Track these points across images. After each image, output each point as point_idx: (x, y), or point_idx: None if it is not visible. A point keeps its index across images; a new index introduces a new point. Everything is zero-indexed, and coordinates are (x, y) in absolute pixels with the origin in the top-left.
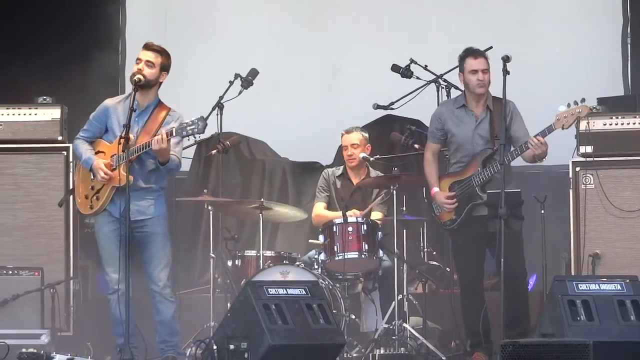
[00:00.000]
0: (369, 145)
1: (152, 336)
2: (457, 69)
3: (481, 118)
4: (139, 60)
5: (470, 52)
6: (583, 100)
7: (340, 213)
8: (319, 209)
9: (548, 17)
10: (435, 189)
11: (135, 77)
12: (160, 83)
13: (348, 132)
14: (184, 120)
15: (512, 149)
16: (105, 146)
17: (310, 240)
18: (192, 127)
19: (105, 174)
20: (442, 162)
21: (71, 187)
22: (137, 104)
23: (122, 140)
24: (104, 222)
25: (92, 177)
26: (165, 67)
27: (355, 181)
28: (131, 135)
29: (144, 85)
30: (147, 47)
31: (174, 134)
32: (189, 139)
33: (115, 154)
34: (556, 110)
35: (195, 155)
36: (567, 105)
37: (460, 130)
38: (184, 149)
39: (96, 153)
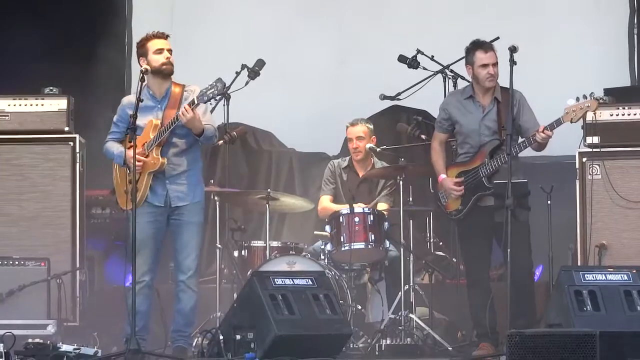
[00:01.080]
0: (374, 137)
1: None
2: (464, 59)
3: (488, 109)
4: (160, 50)
5: (479, 45)
6: (592, 94)
7: (345, 205)
8: (325, 202)
9: (555, 6)
10: (443, 176)
11: (167, 68)
12: None
13: (353, 124)
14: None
15: (521, 140)
16: (136, 140)
17: (316, 232)
18: (211, 90)
19: (139, 160)
20: (449, 153)
21: (114, 186)
22: (153, 95)
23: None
24: (142, 212)
25: (127, 171)
26: None
27: (361, 173)
28: (157, 121)
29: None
30: (162, 35)
31: (197, 102)
32: (211, 103)
33: (145, 142)
34: (565, 104)
35: (201, 146)
36: (576, 99)
37: (467, 121)
38: None
39: (128, 148)
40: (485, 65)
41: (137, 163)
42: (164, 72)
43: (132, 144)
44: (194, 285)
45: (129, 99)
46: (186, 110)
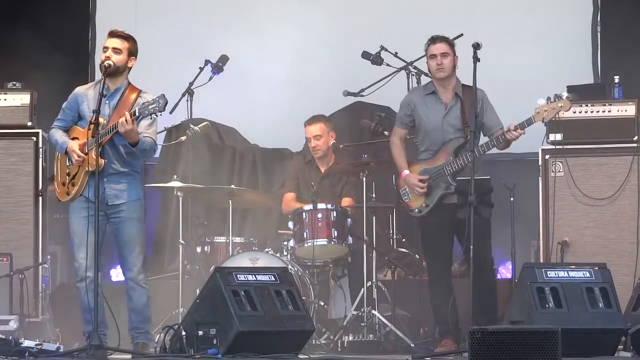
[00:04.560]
0: (332, 132)
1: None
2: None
3: (450, 105)
4: (105, 48)
5: (430, 39)
6: (564, 94)
7: (309, 203)
8: (289, 198)
9: (519, 4)
10: (406, 172)
11: (105, 64)
12: (130, 68)
13: (309, 123)
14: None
15: (487, 140)
16: (79, 132)
17: (280, 231)
18: (153, 106)
19: (79, 156)
20: (411, 149)
21: (53, 174)
22: (107, 89)
23: (92, 126)
24: (78, 207)
25: (67, 162)
26: (132, 52)
27: (323, 168)
28: (102, 119)
29: (113, 72)
30: (113, 34)
31: (137, 114)
32: (151, 118)
33: (91, 138)
34: (535, 104)
35: (164, 142)
36: (547, 99)
37: (430, 117)
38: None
39: (72, 139)
40: (433, 56)
41: (77, 158)
42: (102, 71)
43: (82, 138)
44: (142, 281)
45: (81, 89)
46: (126, 121)
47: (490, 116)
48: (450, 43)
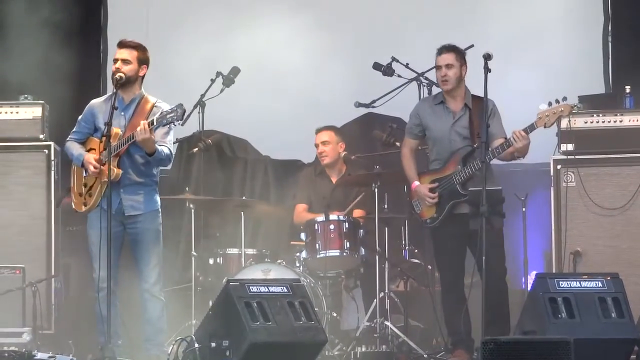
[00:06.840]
0: (341, 143)
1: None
2: None
3: (459, 115)
4: (115, 60)
5: (438, 49)
6: (565, 98)
7: (321, 214)
8: (301, 210)
9: (530, 14)
10: (416, 183)
11: (117, 76)
12: (142, 77)
13: (319, 130)
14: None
15: (493, 147)
16: (95, 143)
17: (292, 242)
18: (171, 115)
19: (95, 167)
20: (423, 160)
21: (69, 185)
22: (121, 100)
23: (103, 139)
24: (96, 218)
25: (84, 173)
26: (143, 61)
27: (334, 179)
28: (118, 130)
29: (125, 83)
30: (122, 44)
31: (155, 124)
32: (168, 127)
33: (103, 151)
34: (537, 109)
35: (176, 154)
36: (549, 104)
37: (438, 126)
38: None
39: (88, 150)
40: (438, 67)
41: (94, 170)
42: (114, 83)
43: (97, 149)
44: (157, 292)
45: (96, 101)
46: (143, 129)
47: (495, 124)
48: (459, 52)
